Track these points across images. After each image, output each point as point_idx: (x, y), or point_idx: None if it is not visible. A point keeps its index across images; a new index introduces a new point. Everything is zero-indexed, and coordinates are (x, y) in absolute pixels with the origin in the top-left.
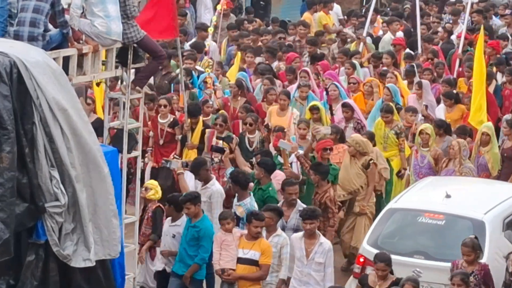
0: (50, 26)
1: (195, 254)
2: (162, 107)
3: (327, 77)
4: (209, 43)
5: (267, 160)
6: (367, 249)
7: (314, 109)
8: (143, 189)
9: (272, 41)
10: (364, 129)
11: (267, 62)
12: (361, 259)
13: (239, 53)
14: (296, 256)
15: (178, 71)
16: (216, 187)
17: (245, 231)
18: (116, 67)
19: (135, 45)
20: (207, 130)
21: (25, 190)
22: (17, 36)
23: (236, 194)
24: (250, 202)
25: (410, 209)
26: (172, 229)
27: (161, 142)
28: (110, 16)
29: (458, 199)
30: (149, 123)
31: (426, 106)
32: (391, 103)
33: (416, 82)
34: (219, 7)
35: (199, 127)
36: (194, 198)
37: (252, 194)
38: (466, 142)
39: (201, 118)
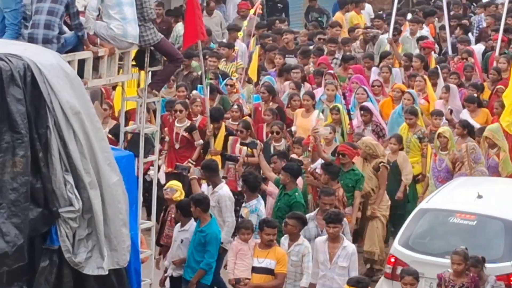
0: (66, 29)
1: (201, 259)
2: (178, 112)
3: (354, 81)
4: (237, 47)
5: (292, 165)
6: (398, 249)
7: (334, 109)
8: (168, 189)
9: (307, 42)
10: (383, 132)
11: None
12: (392, 259)
13: (257, 48)
14: (319, 260)
15: (200, 72)
16: (223, 191)
17: (259, 240)
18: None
19: (152, 48)
20: (231, 138)
21: (39, 195)
22: (32, 39)
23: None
24: (256, 204)
25: (441, 210)
26: (181, 235)
27: (176, 146)
28: (127, 19)
29: (490, 200)
30: (165, 129)
31: (451, 110)
32: (416, 108)
33: (444, 86)
34: (251, 11)
35: (222, 132)
36: (196, 200)
37: (260, 196)
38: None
39: (223, 123)
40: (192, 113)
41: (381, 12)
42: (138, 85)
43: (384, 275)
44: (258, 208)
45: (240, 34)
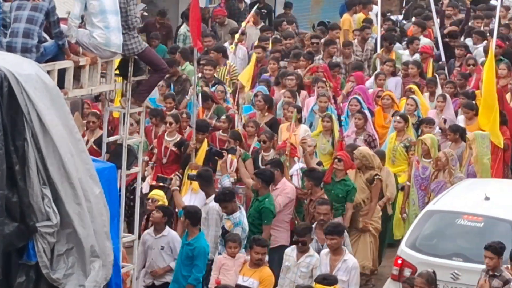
0: (47, 37)
1: (189, 274)
2: (168, 124)
3: (357, 91)
4: (233, 46)
5: (265, 170)
6: (405, 251)
7: (326, 117)
8: (149, 200)
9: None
10: (375, 142)
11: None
12: (399, 261)
13: (254, 55)
14: (321, 272)
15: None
16: (212, 204)
17: (249, 257)
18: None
19: (136, 57)
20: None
21: (15, 209)
22: (10, 48)
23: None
24: (239, 217)
25: (448, 211)
26: (160, 241)
27: (164, 160)
28: (110, 27)
29: (497, 201)
30: (155, 140)
31: (445, 120)
32: (407, 115)
33: (440, 95)
34: (243, 24)
35: (204, 147)
36: (188, 213)
37: (241, 208)
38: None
39: (206, 138)
40: (182, 125)
41: (389, 14)
42: (122, 95)
43: (391, 277)
44: (242, 221)
45: (237, 35)
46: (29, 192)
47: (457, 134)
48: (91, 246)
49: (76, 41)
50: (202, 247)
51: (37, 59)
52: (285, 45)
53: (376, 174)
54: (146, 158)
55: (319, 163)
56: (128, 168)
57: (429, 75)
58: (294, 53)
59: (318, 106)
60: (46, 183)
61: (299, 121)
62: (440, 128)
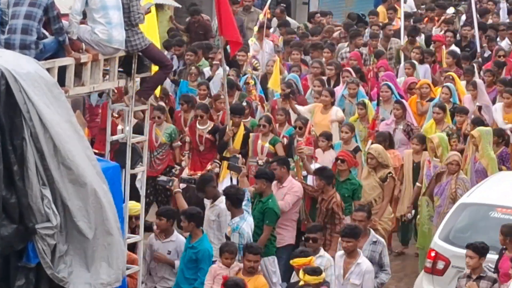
0: (47, 33)
1: (192, 277)
2: (199, 117)
3: (384, 78)
4: (253, 39)
5: (263, 170)
6: (438, 244)
7: (360, 104)
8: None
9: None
10: (414, 132)
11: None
12: (432, 254)
13: (277, 60)
14: (335, 275)
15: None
16: (224, 205)
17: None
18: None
19: (140, 53)
20: (252, 134)
21: (13, 210)
22: (8, 45)
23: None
24: (238, 222)
25: (482, 204)
26: (167, 246)
27: (201, 148)
28: (112, 23)
29: None
30: (186, 129)
31: (480, 107)
32: (445, 103)
33: (470, 83)
34: (261, 16)
35: (241, 130)
36: (190, 215)
37: (246, 213)
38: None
39: (242, 122)
40: (215, 109)
41: (423, 6)
42: (125, 93)
43: (424, 270)
44: (240, 226)
45: (255, 28)
46: (28, 192)
47: (475, 127)
48: (97, 242)
49: (78, 37)
50: (206, 249)
51: (36, 56)
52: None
53: (389, 172)
54: (179, 143)
55: (357, 148)
56: (132, 167)
57: (444, 65)
58: (314, 44)
59: (348, 92)
60: (46, 183)
61: (332, 103)
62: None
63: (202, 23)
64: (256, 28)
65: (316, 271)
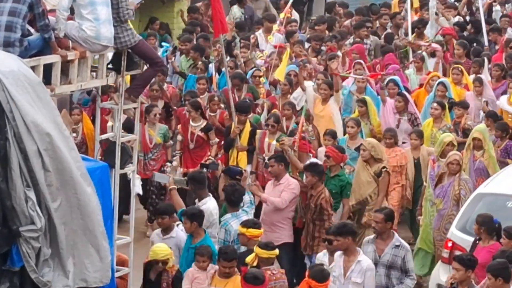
0: (32, 30)
1: None
2: (188, 113)
3: (390, 72)
4: (271, 37)
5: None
6: (455, 234)
7: (360, 102)
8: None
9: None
10: (417, 121)
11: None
12: (449, 244)
13: (288, 50)
14: (335, 275)
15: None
16: (206, 206)
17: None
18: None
19: (129, 50)
20: (259, 131)
21: None
22: None
23: None
24: (229, 219)
25: (499, 194)
26: (167, 242)
27: (191, 146)
28: (100, 20)
29: None
30: (179, 126)
31: (487, 103)
32: (443, 100)
33: (475, 79)
34: (281, 15)
35: (247, 127)
36: (192, 215)
37: (241, 210)
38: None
39: (248, 119)
40: (210, 109)
41: None
42: (115, 91)
43: (442, 260)
44: (228, 223)
45: (275, 27)
46: (12, 194)
47: (489, 120)
48: (75, 245)
49: (65, 34)
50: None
51: (21, 54)
52: (318, 30)
53: (384, 167)
54: (171, 142)
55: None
56: (122, 167)
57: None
58: (317, 36)
59: (356, 87)
60: (30, 185)
61: (331, 96)
62: (484, 112)
63: (201, 22)
64: (275, 27)
65: (268, 246)
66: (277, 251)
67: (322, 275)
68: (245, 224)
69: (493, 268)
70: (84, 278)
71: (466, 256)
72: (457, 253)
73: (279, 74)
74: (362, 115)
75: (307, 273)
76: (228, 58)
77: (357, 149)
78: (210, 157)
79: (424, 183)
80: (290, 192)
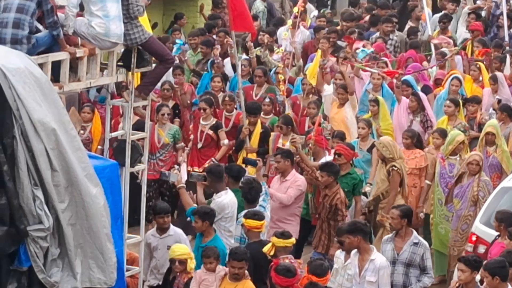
0: (41, 27)
1: None
2: (202, 110)
3: (410, 69)
4: (286, 33)
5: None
6: (479, 228)
7: (372, 101)
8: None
9: None
10: (429, 122)
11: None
12: (473, 238)
13: (319, 51)
14: (350, 273)
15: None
16: (220, 200)
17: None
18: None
19: (139, 47)
20: (273, 133)
21: (4, 212)
22: None
23: None
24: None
25: None
26: (166, 241)
27: (199, 145)
28: (110, 16)
29: None
30: (191, 127)
31: (499, 100)
32: (456, 96)
33: (490, 77)
34: (295, 9)
35: (258, 129)
36: (204, 214)
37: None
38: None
39: (259, 120)
40: (226, 110)
41: None
42: (125, 88)
43: (465, 254)
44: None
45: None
46: (19, 193)
47: (504, 114)
48: (80, 246)
49: (74, 31)
50: (220, 249)
51: (28, 51)
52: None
53: (393, 165)
54: (182, 144)
55: (374, 145)
56: (132, 165)
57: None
58: (330, 29)
59: (372, 85)
60: (38, 184)
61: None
62: (494, 109)
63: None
64: (290, 22)
65: (284, 234)
66: (293, 239)
67: (321, 269)
68: (245, 214)
69: (490, 267)
70: (89, 278)
71: (471, 257)
72: (481, 247)
73: (311, 73)
74: (374, 115)
75: (306, 269)
76: (244, 55)
77: (369, 150)
78: (214, 159)
79: (428, 182)
80: (297, 189)
